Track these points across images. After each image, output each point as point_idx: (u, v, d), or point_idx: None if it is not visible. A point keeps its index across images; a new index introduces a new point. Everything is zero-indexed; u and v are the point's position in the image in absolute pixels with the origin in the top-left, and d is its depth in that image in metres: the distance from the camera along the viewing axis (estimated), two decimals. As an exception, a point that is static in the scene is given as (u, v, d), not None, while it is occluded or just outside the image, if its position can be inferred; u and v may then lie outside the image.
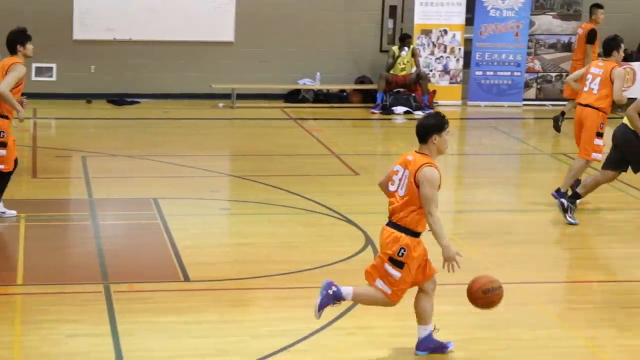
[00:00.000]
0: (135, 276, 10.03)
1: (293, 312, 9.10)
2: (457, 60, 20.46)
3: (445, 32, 20.37)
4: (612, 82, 12.36)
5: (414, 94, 19.64)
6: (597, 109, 12.46)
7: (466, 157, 16.78)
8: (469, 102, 20.53)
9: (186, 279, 9.94)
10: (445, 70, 20.46)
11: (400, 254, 7.82)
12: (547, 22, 20.69)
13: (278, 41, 20.32)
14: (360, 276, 8.20)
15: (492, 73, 20.55)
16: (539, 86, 20.77)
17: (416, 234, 7.90)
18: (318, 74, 20.24)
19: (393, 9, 20.89)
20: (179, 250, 10.67)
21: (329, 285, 7.93)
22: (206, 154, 15.67)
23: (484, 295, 7.89)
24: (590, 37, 17.70)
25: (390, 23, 21.00)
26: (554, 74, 20.73)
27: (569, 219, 12.11)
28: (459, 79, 20.50)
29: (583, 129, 12.62)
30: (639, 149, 12.00)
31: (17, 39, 11.59)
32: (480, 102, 20.50)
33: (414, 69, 19.91)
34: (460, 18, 20.40)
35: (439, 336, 8.18)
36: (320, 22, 20.48)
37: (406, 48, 19.75)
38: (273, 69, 20.32)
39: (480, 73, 20.54)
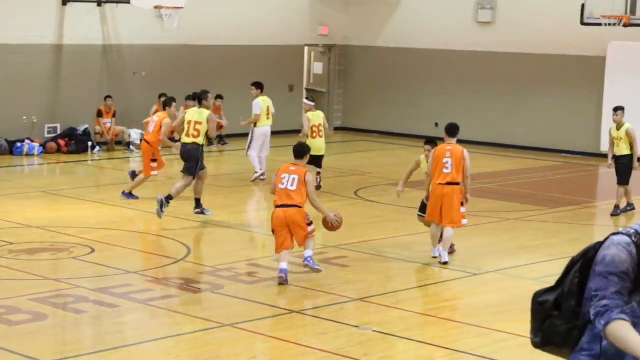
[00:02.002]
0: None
1: None
2: None
3: None
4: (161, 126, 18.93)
5: None
6: (150, 142, 19.13)
7: None
8: None
9: None
10: None
11: (308, 218, 13.39)
12: None
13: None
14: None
15: None
16: None
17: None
18: None
19: None
20: None
21: (307, 258, 13.42)
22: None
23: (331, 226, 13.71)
24: None
25: None
26: None
27: (160, 212, 16.82)
28: None
29: (145, 155, 19.29)
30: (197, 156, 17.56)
31: None
32: None
33: None
34: None
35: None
36: None
37: None
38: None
39: None
